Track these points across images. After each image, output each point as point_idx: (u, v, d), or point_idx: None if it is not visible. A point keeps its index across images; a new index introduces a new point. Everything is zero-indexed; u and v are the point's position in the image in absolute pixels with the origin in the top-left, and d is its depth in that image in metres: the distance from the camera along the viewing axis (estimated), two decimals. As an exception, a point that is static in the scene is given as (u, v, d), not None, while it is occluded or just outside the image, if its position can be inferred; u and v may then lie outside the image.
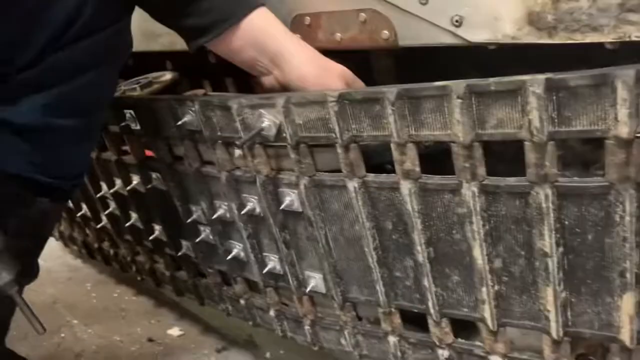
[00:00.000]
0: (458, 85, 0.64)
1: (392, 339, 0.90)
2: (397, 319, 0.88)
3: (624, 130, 0.57)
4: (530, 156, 0.63)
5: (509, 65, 0.69)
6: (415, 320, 0.89)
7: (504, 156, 0.85)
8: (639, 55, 0.58)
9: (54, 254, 1.98)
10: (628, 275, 0.64)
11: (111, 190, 1.25)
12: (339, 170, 0.80)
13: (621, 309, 0.67)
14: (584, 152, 0.76)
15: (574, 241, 0.66)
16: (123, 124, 1.05)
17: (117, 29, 0.81)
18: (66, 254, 2.01)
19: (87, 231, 1.61)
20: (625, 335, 0.68)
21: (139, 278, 1.47)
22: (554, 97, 0.59)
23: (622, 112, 0.56)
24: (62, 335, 1.54)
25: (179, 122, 0.91)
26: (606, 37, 0.56)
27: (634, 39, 0.55)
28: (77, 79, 0.79)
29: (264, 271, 0.99)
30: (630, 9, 0.54)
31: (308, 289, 0.94)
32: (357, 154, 0.77)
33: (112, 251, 1.53)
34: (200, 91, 1.15)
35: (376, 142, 0.76)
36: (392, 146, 0.73)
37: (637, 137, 0.58)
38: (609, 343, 0.71)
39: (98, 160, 1.23)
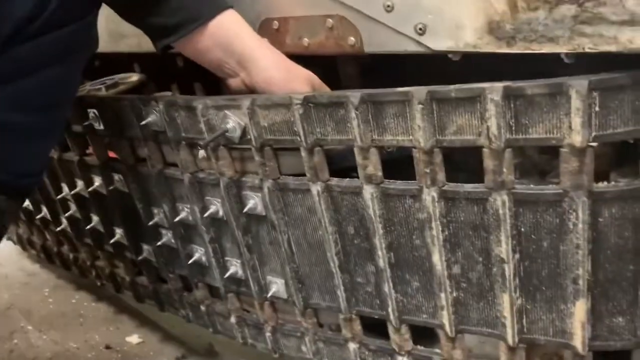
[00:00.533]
0: (420, 91, 0.65)
1: (352, 346, 0.90)
2: (358, 326, 0.88)
3: (577, 139, 0.59)
4: (488, 163, 0.64)
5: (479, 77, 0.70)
6: (376, 328, 0.89)
7: (465, 165, 0.87)
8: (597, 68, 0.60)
9: (11, 258, 1.92)
10: (581, 282, 0.66)
11: (72, 192, 1.23)
12: (303, 174, 0.80)
13: (574, 315, 0.68)
14: (541, 162, 0.77)
15: (530, 248, 0.68)
16: (86, 123, 1.04)
17: (81, 25, 0.80)
18: (24, 258, 1.95)
19: (47, 234, 1.57)
20: (578, 342, 0.69)
21: (98, 283, 1.44)
22: (512, 105, 0.61)
23: (576, 120, 0.58)
24: (15, 341, 1.49)
25: (143, 122, 0.91)
26: (561, 48, 0.58)
27: (587, 50, 0.57)
28: (38, 74, 0.77)
29: (226, 276, 0.98)
30: (584, 21, 0.56)
31: (269, 295, 0.94)
32: (322, 158, 0.77)
33: (71, 255, 1.49)
34: (167, 94, 1.14)
35: (340, 146, 0.77)
36: (355, 150, 0.73)
37: (590, 146, 0.60)
38: (563, 349, 0.73)
39: (60, 160, 1.20)
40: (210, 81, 1.32)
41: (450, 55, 0.73)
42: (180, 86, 1.37)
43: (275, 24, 0.87)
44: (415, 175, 0.71)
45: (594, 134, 0.59)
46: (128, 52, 1.17)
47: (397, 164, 0.78)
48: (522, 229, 0.67)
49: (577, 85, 0.57)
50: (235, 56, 0.82)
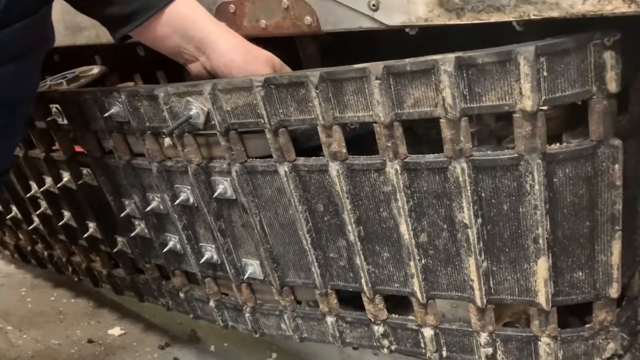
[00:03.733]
0: (376, 67, 0.66)
1: (330, 320, 0.92)
2: (334, 300, 0.90)
3: (528, 104, 0.61)
4: (446, 132, 0.66)
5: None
6: (352, 301, 0.92)
7: (428, 137, 0.89)
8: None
9: (-16, 261, 1.91)
10: (541, 241, 0.69)
11: (41, 189, 1.22)
12: (270, 156, 0.81)
13: (537, 273, 0.71)
14: (497, 128, 0.80)
15: (491, 212, 0.70)
16: (49, 119, 1.03)
17: (34, 20, 0.79)
18: (-2, 261, 1.93)
19: (19, 234, 1.56)
20: (542, 299, 0.73)
21: (76, 279, 1.44)
22: (465, 75, 0.63)
23: (526, 86, 0.60)
24: (-4, 342, 1.48)
25: (106, 114, 0.90)
26: (508, 17, 0.60)
27: (532, 17, 0.59)
28: None
29: (201, 261, 0.99)
30: (528, -11, 0.58)
31: (246, 277, 0.95)
32: (287, 139, 0.78)
33: (46, 253, 1.48)
34: (130, 84, 1.14)
35: (305, 126, 0.78)
36: (319, 129, 0.74)
37: (541, 110, 0.62)
38: (529, 307, 0.76)
39: (26, 158, 1.19)
40: (173, 69, 1.32)
41: (407, 30, 0.75)
42: (142, 75, 1.35)
43: (232, 8, 0.88)
44: (378, 150, 0.73)
45: (543, 98, 0.61)
46: (87, 45, 1.16)
47: (362, 139, 0.80)
48: (483, 194, 0.69)
49: (525, 52, 0.59)
50: (193, 41, 0.82)
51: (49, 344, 1.44)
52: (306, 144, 0.83)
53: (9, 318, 1.59)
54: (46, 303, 1.64)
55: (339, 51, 0.98)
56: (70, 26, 1.14)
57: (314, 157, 0.79)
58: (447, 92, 0.64)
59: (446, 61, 0.62)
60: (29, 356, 1.41)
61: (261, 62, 0.82)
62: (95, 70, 1.16)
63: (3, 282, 1.81)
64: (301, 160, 0.80)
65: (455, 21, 0.64)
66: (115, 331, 1.45)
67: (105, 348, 1.39)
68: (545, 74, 0.60)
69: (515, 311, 0.92)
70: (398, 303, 0.91)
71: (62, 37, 1.16)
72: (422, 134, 0.91)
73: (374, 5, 0.70)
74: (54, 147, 1.15)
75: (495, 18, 0.61)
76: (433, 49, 0.70)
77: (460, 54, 0.62)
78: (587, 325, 0.76)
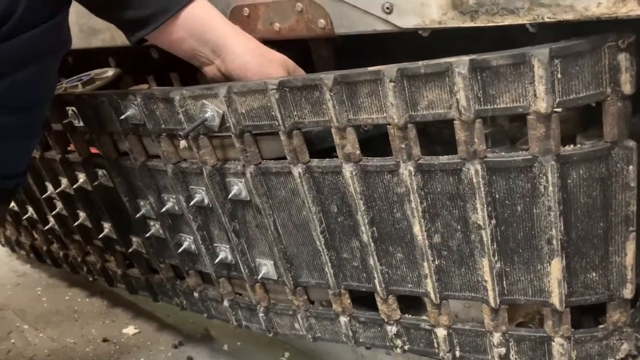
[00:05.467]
0: (390, 69, 0.67)
1: (343, 320, 0.93)
2: (347, 300, 0.91)
3: (542, 106, 0.62)
4: (460, 134, 0.67)
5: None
6: (364, 300, 0.92)
7: (441, 137, 0.89)
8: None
9: (1, 260, 1.93)
10: (554, 242, 0.69)
11: (57, 190, 1.23)
12: (284, 157, 0.82)
13: (550, 274, 0.72)
14: (512, 129, 0.80)
15: (505, 213, 0.71)
16: (66, 121, 1.04)
17: (52, 25, 0.80)
18: (14, 260, 1.95)
19: (35, 234, 1.58)
20: (555, 299, 0.73)
21: (90, 279, 1.45)
22: (479, 77, 0.63)
23: (540, 88, 0.61)
24: (12, 341, 1.50)
25: (122, 117, 0.91)
26: (522, 19, 0.61)
27: (547, 20, 0.59)
28: (13, 76, 0.78)
29: (216, 262, 1.00)
30: (542, -8, 0.58)
31: (260, 276, 0.96)
32: (300, 140, 0.79)
33: (61, 253, 1.50)
34: (144, 86, 1.15)
35: (319, 128, 0.79)
36: (333, 131, 0.75)
37: (555, 112, 0.62)
38: (542, 307, 0.76)
39: (42, 159, 1.21)
40: (186, 71, 1.33)
41: (420, 32, 0.75)
42: (156, 77, 1.37)
43: (246, 11, 0.88)
44: (391, 152, 0.73)
45: (557, 100, 0.61)
46: (102, 47, 1.17)
47: (375, 141, 0.80)
48: (496, 196, 0.70)
49: (539, 54, 0.59)
50: (209, 44, 0.83)
51: (64, 343, 1.46)
52: (320, 145, 0.84)
53: (25, 317, 1.61)
54: (61, 302, 1.66)
55: (352, 53, 0.99)
56: (85, 29, 1.15)
57: (327, 159, 0.80)
58: (461, 94, 0.64)
59: (460, 63, 0.63)
60: (45, 355, 1.42)
61: (275, 65, 0.82)
62: (110, 72, 1.18)
63: (19, 281, 1.83)
64: (315, 162, 0.80)
65: (469, 24, 0.64)
66: (130, 330, 1.46)
67: (120, 347, 1.41)
68: (559, 76, 0.60)
69: (529, 311, 0.92)
70: (410, 303, 0.92)
71: (77, 40, 1.17)
72: (435, 134, 0.91)
73: (387, 8, 0.71)
74: (69, 149, 1.16)
75: (509, 21, 0.61)
76: (446, 49, 0.71)
77: (474, 56, 0.62)
78: (601, 326, 0.76)
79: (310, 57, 0.99)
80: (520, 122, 0.78)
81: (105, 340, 1.44)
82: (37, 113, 0.87)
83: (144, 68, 1.35)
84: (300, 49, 0.94)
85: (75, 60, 1.39)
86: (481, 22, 0.64)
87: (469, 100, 0.64)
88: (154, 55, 1.26)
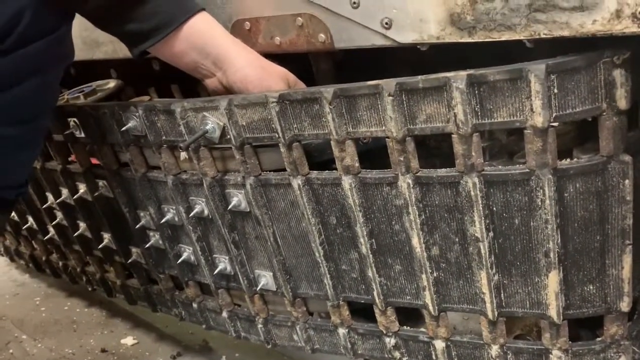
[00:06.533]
0: (389, 84, 0.68)
1: (342, 331, 0.93)
2: (346, 311, 0.91)
3: (539, 120, 0.62)
4: (458, 148, 0.68)
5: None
6: (362, 312, 0.93)
7: (439, 151, 0.90)
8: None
9: (-1, 270, 1.93)
10: (552, 255, 0.70)
11: (58, 201, 1.24)
12: (284, 169, 0.82)
13: (548, 287, 0.72)
14: (509, 143, 0.81)
15: (502, 226, 0.71)
16: (67, 132, 1.05)
17: (56, 37, 0.81)
18: (12, 269, 1.96)
19: (34, 244, 1.58)
20: (553, 312, 0.73)
21: (90, 289, 1.45)
22: (476, 92, 0.64)
23: (537, 103, 0.62)
24: (11, 351, 1.50)
25: (123, 128, 0.92)
26: (519, 35, 0.62)
27: (543, 36, 0.60)
28: (16, 88, 0.79)
29: (215, 273, 1.00)
30: (538, 9, 0.59)
31: (259, 288, 0.97)
32: (300, 152, 0.80)
33: (61, 263, 1.50)
34: (145, 98, 1.16)
35: (318, 140, 0.80)
36: (332, 143, 0.76)
37: (552, 126, 0.63)
38: (540, 320, 0.76)
39: (43, 170, 1.22)
40: (187, 83, 1.34)
41: (418, 46, 0.76)
42: (157, 89, 1.38)
43: (247, 25, 0.90)
44: (390, 164, 0.74)
45: (554, 114, 0.62)
46: (104, 59, 1.18)
47: (374, 154, 0.81)
48: (494, 209, 0.70)
49: (536, 70, 0.60)
50: (210, 57, 0.84)
51: (63, 353, 1.46)
52: (319, 157, 0.85)
53: (24, 327, 1.61)
54: (60, 312, 1.66)
55: (351, 65, 1.00)
56: (88, 41, 1.16)
57: (327, 171, 0.81)
58: (459, 109, 0.65)
59: (458, 78, 0.64)
60: (43, 365, 1.43)
61: (276, 78, 0.83)
62: (112, 84, 1.19)
63: (18, 291, 1.83)
64: (314, 174, 0.81)
65: (466, 39, 0.65)
66: (128, 341, 1.46)
67: (118, 357, 1.41)
68: (555, 91, 0.61)
69: (527, 324, 0.92)
70: (409, 315, 0.92)
71: (79, 52, 1.18)
72: (433, 147, 0.92)
73: (386, 23, 0.72)
74: (70, 159, 1.17)
75: (506, 37, 0.62)
76: (444, 63, 0.72)
77: (471, 71, 0.63)
78: (599, 339, 0.76)
79: (310, 71, 1.01)
80: (518, 136, 0.79)
81: (103, 350, 1.44)
82: (39, 125, 0.88)
83: (145, 80, 1.37)
84: (301, 63, 0.95)
85: (77, 71, 1.40)
86: (479, 37, 0.65)
87: (467, 114, 0.65)
88: (155, 67, 1.27)
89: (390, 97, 0.68)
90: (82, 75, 1.35)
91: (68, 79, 1.39)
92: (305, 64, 0.97)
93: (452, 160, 0.70)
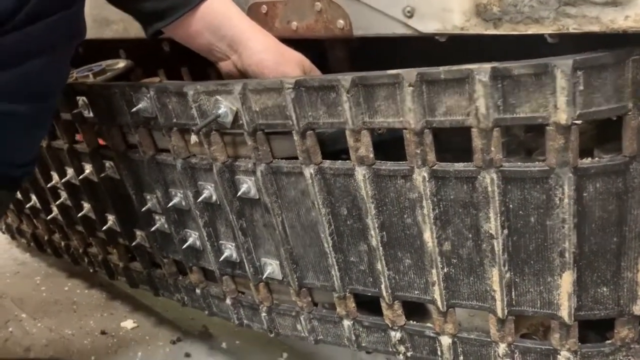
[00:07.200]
0: (410, 73, 0.66)
1: (346, 323, 0.92)
2: (352, 303, 0.90)
3: (562, 117, 0.61)
4: (477, 142, 0.66)
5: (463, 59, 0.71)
6: (367, 305, 0.92)
7: (450, 145, 0.89)
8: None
9: (0, 248, 1.92)
10: (567, 255, 0.69)
11: (63, 180, 1.23)
12: (296, 157, 0.81)
13: (561, 287, 0.71)
14: (526, 139, 0.80)
15: (518, 223, 0.70)
16: (75, 111, 1.04)
17: (68, 13, 0.80)
18: (13, 248, 1.94)
19: (37, 223, 1.57)
20: (564, 312, 0.72)
21: (91, 270, 1.44)
22: (500, 85, 0.62)
23: (561, 99, 0.60)
24: (10, 329, 1.49)
25: (134, 109, 0.91)
26: (547, 29, 0.60)
27: (572, 31, 0.59)
28: (27, 64, 0.77)
29: (221, 259, 0.99)
30: (568, 3, 0.57)
31: (264, 276, 0.96)
32: (314, 141, 0.78)
33: (63, 243, 1.49)
34: (155, 79, 1.15)
35: (332, 129, 0.78)
36: (347, 133, 0.74)
37: (575, 124, 0.62)
38: (550, 320, 0.75)
39: (49, 148, 1.20)
40: (197, 65, 1.33)
41: (437, 37, 0.75)
42: (167, 71, 1.36)
43: (264, 8, 0.88)
44: (405, 156, 0.73)
45: (578, 112, 0.61)
46: (113, 39, 1.17)
47: (388, 145, 0.80)
48: (510, 206, 0.69)
49: (562, 65, 0.59)
50: (226, 39, 0.83)
51: (62, 334, 1.45)
52: (332, 147, 0.83)
53: (24, 306, 1.60)
54: (60, 293, 1.65)
55: (362, 55, 0.99)
56: (99, 19, 1.15)
57: (340, 161, 0.79)
58: (480, 102, 0.63)
59: (482, 71, 0.62)
60: (42, 345, 1.42)
61: (292, 64, 0.82)
62: (122, 64, 1.17)
63: (18, 269, 1.82)
64: (327, 163, 0.80)
65: (491, 31, 0.64)
66: (128, 324, 1.45)
67: (118, 340, 1.40)
68: (581, 87, 0.60)
69: (533, 323, 0.91)
70: (414, 310, 0.91)
71: (89, 30, 1.16)
72: (444, 141, 0.91)
73: (408, 11, 0.70)
74: (77, 139, 1.15)
75: (533, 30, 0.61)
76: (458, 55, 0.71)
77: (496, 64, 0.62)
78: (608, 341, 0.75)
79: (323, 57, 0.99)
80: (536, 133, 0.78)
81: (103, 332, 1.43)
82: (48, 103, 0.86)
83: (155, 61, 1.35)
84: (313, 50, 0.93)
85: (85, 50, 1.38)
86: (504, 30, 0.63)
87: (488, 108, 0.63)
88: (166, 49, 1.26)
89: (411, 88, 0.66)
90: (90, 54, 1.33)
91: (76, 57, 1.38)
92: (317, 51, 0.96)
93: (464, 155, 0.68)
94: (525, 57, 0.62)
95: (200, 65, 1.29)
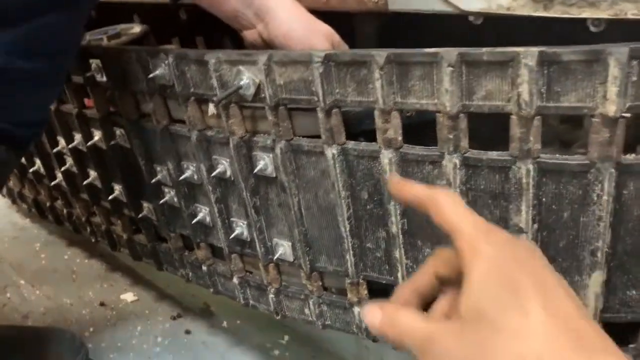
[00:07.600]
0: (450, 53, 0.62)
1: (357, 310, 0.89)
2: (364, 290, 0.88)
3: (611, 109, 0.58)
4: (515, 130, 0.63)
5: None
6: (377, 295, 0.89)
7: (474, 133, 0.85)
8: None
9: None
10: (599, 254, 0.66)
11: (69, 146, 1.19)
12: (318, 136, 0.78)
13: (589, 287, 0.68)
14: (562, 132, 0.76)
15: (550, 218, 0.67)
16: (88, 74, 1.00)
17: None
18: (13, 212, 1.91)
19: (39, 189, 1.54)
20: (590, 313, 0.69)
21: (93, 240, 1.41)
22: (546, 71, 0.59)
23: (612, 90, 0.57)
24: (8, 295, 1.47)
25: (150, 75, 0.87)
26: (603, 13, 0.56)
27: (630, 16, 0.55)
28: (44, 18, 0.73)
29: (231, 237, 0.96)
30: (631, -14, 0.54)
31: (275, 257, 0.93)
32: (339, 120, 0.75)
33: (65, 211, 1.46)
34: (172, 47, 1.10)
35: (359, 108, 0.75)
36: (376, 113, 0.71)
37: (623, 117, 0.58)
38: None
39: (57, 112, 1.16)
40: (213, 35, 1.28)
41: (471, 18, 0.71)
42: (181, 40, 1.32)
43: (293, -22, 0.84)
44: (430, 143, 0.69)
45: (628, 104, 0.57)
46: (128, 2, 1.12)
47: (413, 129, 0.76)
48: (544, 199, 0.66)
49: (617, 53, 0.55)
50: (253, 7, 0.79)
51: (60, 303, 1.42)
52: (356, 128, 0.80)
53: (22, 272, 1.57)
54: (60, 261, 1.62)
55: (385, 34, 0.95)
56: (116, -19, 1.11)
57: (364, 142, 0.76)
58: (524, 88, 0.60)
59: (528, 54, 0.58)
60: (40, 312, 1.39)
61: (321, 37, 0.78)
62: (137, 28, 1.13)
63: (17, 234, 1.80)
64: (351, 144, 0.76)
65: (541, 13, 0.60)
66: (128, 297, 1.43)
67: (117, 312, 1.38)
68: (634, 78, 0.56)
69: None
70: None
71: (105, -8, 1.13)
72: (470, 129, 0.87)
73: (451, -13, 0.67)
74: (86, 104, 1.11)
75: (587, 14, 0.57)
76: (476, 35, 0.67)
77: (544, 48, 0.58)
78: (631, 346, 0.73)
79: (348, 32, 0.95)
80: (573, 125, 0.74)
81: (102, 304, 1.41)
82: (62, 62, 0.82)
83: (170, 29, 1.31)
84: (340, 24, 0.89)
85: (98, 14, 1.34)
86: (554, 12, 0.59)
87: (532, 94, 0.60)
88: (182, 16, 1.22)
89: (450, 68, 0.62)
90: (103, 18, 1.28)
91: (89, 21, 1.33)
92: (343, 25, 0.92)
93: (489, 144, 0.65)
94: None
95: (217, 35, 1.25)
